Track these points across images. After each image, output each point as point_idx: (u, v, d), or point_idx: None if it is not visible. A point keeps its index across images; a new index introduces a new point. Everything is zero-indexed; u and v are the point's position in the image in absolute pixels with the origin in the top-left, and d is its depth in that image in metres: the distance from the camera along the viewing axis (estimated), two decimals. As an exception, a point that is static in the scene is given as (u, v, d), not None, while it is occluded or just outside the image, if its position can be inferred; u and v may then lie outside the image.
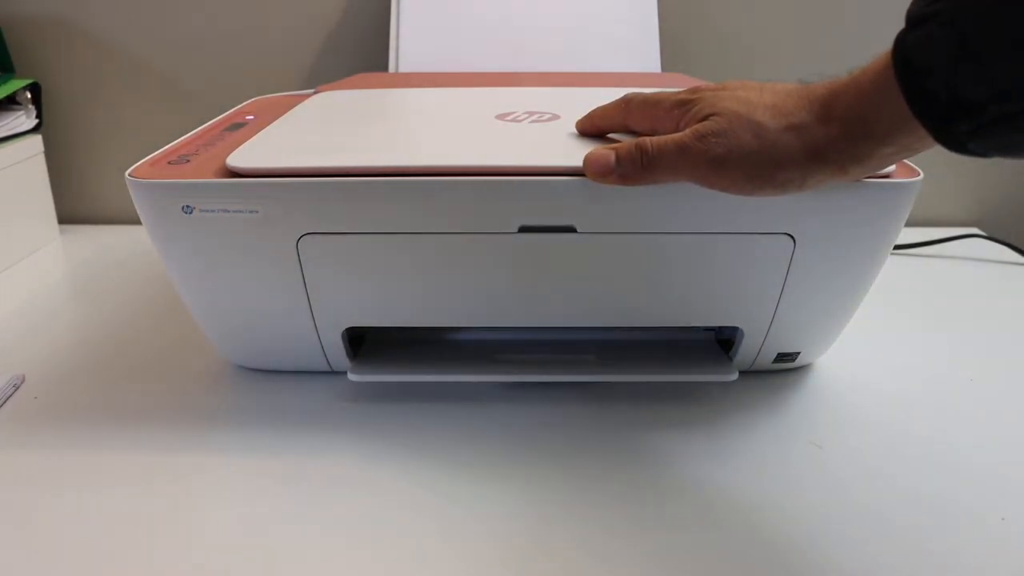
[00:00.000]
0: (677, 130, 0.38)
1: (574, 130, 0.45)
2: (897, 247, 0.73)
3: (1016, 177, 0.83)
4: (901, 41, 0.32)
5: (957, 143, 0.31)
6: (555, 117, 0.48)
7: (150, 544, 0.37)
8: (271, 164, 0.41)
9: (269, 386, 0.50)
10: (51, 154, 0.78)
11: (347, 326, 0.47)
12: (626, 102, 0.42)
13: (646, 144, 0.38)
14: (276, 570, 0.36)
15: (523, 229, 0.42)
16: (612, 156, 0.39)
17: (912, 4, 0.32)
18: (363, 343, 0.51)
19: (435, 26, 0.71)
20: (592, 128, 0.44)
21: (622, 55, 0.71)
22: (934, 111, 0.31)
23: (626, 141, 0.40)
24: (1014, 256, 0.73)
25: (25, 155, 0.74)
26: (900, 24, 0.32)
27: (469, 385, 0.50)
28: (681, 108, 0.39)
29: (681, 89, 0.41)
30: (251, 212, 0.42)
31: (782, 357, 0.50)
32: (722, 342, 0.51)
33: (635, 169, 0.39)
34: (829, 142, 0.35)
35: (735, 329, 0.49)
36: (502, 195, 0.41)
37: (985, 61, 0.29)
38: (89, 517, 0.39)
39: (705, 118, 0.37)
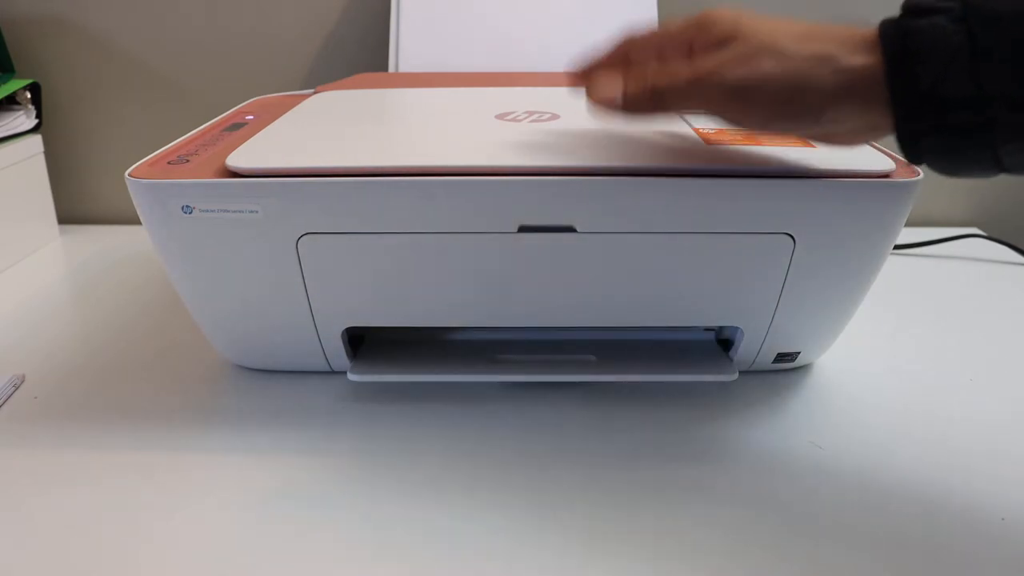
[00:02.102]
0: (688, 59, 0.36)
1: (574, 130, 0.45)
2: (897, 247, 0.73)
3: (1016, 177, 0.83)
4: (902, 23, 0.31)
5: (911, 134, 0.31)
6: (555, 117, 0.48)
7: (150, 544, 0.37)
8: (271, 164, 0.41)
9: (269, 386, 0.50)
10: (51, 154, 0.78)
11: (347, 326, 0.47)
12: (627, 37, 0.39)
13: (656, 71, 0.36)
14: (276, 570, 0.36)
15: (523, 229, 0.42)
16: (618, 82, 0.36)
17: None
18: (363, 343, 0.51)
19: (435, 26, 0.71)
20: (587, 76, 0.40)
21: (622, 55, 0.71)
22: (909, 95, 0.31)
23: (635, 67, 0.37)
24: (1014, 256, 0.73)
25: (25, 155, 0.74)
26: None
27: (469, 385, 0.50)
28: (694, 32, 0.36)
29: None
30: (251, 212, 0.42)
31: (782, 357, 0.50)
32: (722, 342, 0.51)
33: (644, 98, 0.36)
34: (866, 68, 0.32)
35: (735, 329, 0.49)
36: (502, 195, 0.41)
37: (984, 62, 0.29)
38: (89, 517, 0.39)
39: (721, 43, 0.35)
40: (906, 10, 0.32)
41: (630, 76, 0.36)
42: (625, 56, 0.39)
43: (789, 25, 0.34)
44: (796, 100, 0.33)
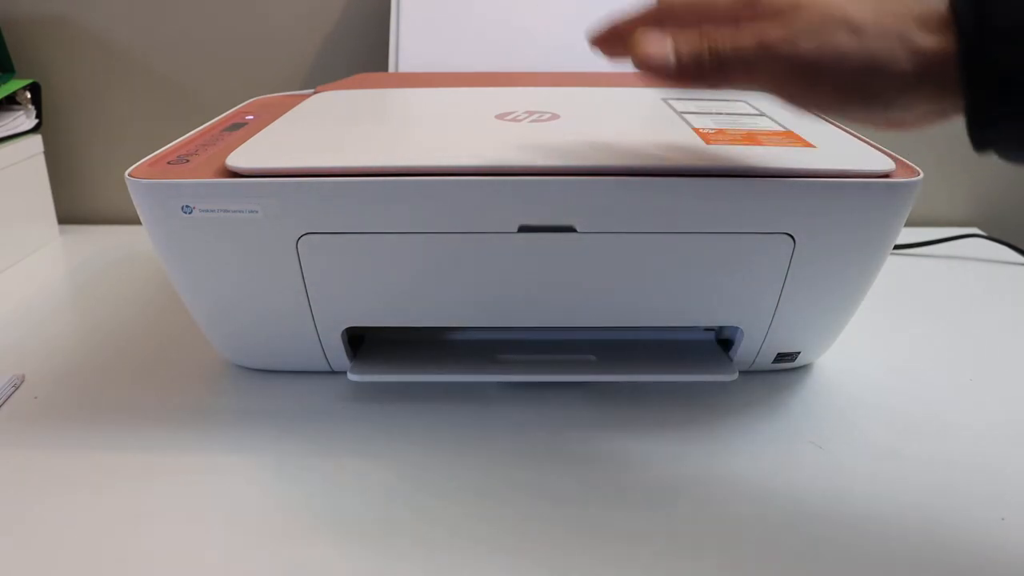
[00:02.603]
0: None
1: (574, 130, 0.45)
2: (897, 247, 0.73)
3: (1016, 177, 0.83)
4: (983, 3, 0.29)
5: (987, 120, 0.29)
6: (555, 117, 0.48)
7: (150, 544, 0.37)
8: (271, 164, 0.41)
9: (269, 386, 0.50)
10: (51, 154, 0.78)
11: (347, 326, 0.47)
12: (663, 1, 0.34)
13: (716, 38, 0.31)
14: (276, 570, 0.36)
15: (523, 229, 0.42)
16: (669, 47, 0.31)
17: None
18: (363, 343, 0.51)
19: (435, 26, 0.71)
20: (612, 38, 0.36)
21: (622, 55, 0.71)
22: (988, 78, 0.29)
23: (687, 31, 0.32)
24: (1014, 256, 0.73)
25: (25, 155, 0.74)
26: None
27: (469, 385, 0.50)
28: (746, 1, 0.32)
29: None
30: (251, 212, 0.42)
31: (782, 357, 0.50)
32: (722, 342, 0.51)
33: (700, 68, 0.31)
34: (938, 49, 0.30)
35: (735, 329, 0.49)
36: (502, 195, 0.41)
37: None
38: (89, 517, 0.39)
39: (776, 15, 0.31)
40: None
41: (681, 37, 0.32)
42: (660, 23, 0.34)
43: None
44: (870, 84, 0.30)
